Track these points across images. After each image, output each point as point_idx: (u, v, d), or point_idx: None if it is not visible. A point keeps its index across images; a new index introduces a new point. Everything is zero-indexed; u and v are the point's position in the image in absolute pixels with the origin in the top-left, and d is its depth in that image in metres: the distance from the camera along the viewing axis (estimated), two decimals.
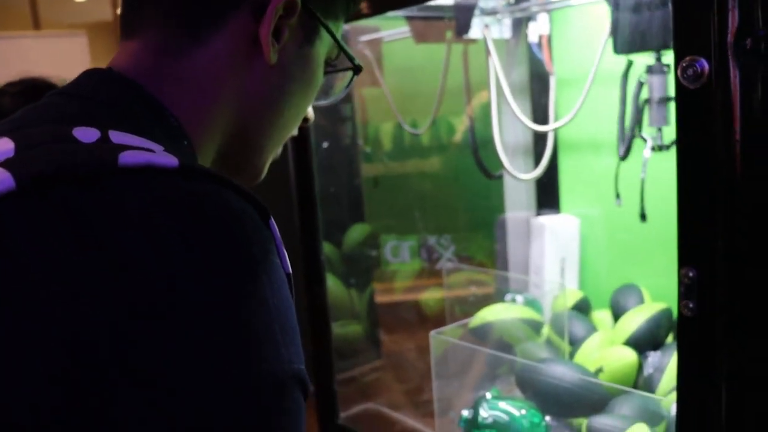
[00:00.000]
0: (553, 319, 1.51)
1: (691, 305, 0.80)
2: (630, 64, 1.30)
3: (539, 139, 1.69)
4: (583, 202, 1.68)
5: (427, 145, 2.03)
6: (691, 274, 0.80)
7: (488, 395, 1.21)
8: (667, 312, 1.38)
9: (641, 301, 1.49)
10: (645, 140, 1.28)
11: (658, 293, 1.51)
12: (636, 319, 1.39)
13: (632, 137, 1.31)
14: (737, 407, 0.80)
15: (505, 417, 1.17)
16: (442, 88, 1.62)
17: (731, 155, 0.75)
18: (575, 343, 1.44)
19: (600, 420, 1.13)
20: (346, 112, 2.05)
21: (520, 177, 1.57)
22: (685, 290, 0.80)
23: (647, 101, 1.26)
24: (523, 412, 1.18)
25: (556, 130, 1.62)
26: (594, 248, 1.67)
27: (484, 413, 1.18)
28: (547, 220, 1.67)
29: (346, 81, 0.75)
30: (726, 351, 0.80)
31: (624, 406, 1.17)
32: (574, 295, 1.58)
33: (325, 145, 1.96)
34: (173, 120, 0.59)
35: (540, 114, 1.70)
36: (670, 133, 1.26)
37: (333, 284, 1.87)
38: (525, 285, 1.68)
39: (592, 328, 1.47)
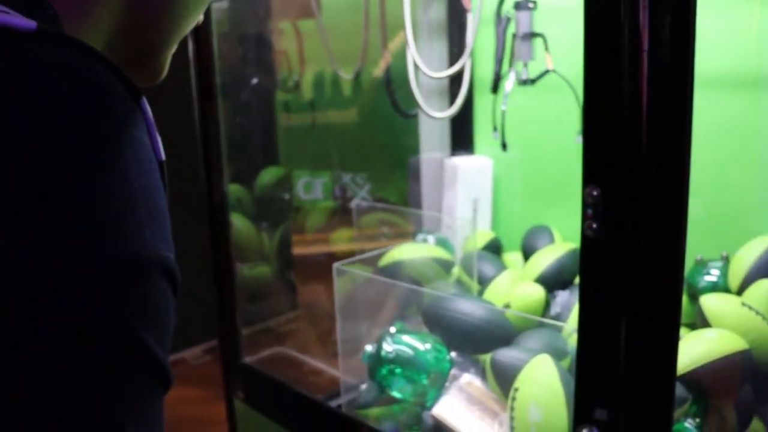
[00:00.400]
0: (464, 259, 1.49)
1: (594, 225, 0.78)
2: (501, 1, 1.33)
3: (456, 80, 1.65)
4: (496, 144, 1.66)
5: (347, 84, 1.96)
6: (594, 193, 0.78)
7: (392, 329, 1.18)
8: (576, 252, 1.37)
9: (552, 241, 1.48)
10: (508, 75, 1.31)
11: (569, 234, 1.51)
12: (545, 258, 1.38)
13: (500, 72, 1.36)
14: (638, 331, 0.79)
15: (409, 351, 1.14)
16: (366, 24, 1.56)
17: (637, 66, 0.73)
18: (485, 283, 1.42)
19: (504, 353, 1.11)
20: (265, 47, 1.96)
21: (433, 115, 1.53)
22: (588, 210, 0.78)
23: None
24: (428, 346, 1.15)
25: (472, 71, 1.58)
26: (507, 190, 1.65)
27: (388, 347, 1.14)
28: (461, 161, 1.65)
29: None
30: (628, 275, 0.79)
31: (529, 340, 1.16)
32: (485, 236, 1.56)
33: (254, 81, 1.88)
34: (50, 10, 0.52)
35: (457, 53, 1.66)
36: (535, 67, 1.30)
37: (243, 226, 1.81)
38: (437, 225, 1.66)
39: (503, 268, 1.46)
